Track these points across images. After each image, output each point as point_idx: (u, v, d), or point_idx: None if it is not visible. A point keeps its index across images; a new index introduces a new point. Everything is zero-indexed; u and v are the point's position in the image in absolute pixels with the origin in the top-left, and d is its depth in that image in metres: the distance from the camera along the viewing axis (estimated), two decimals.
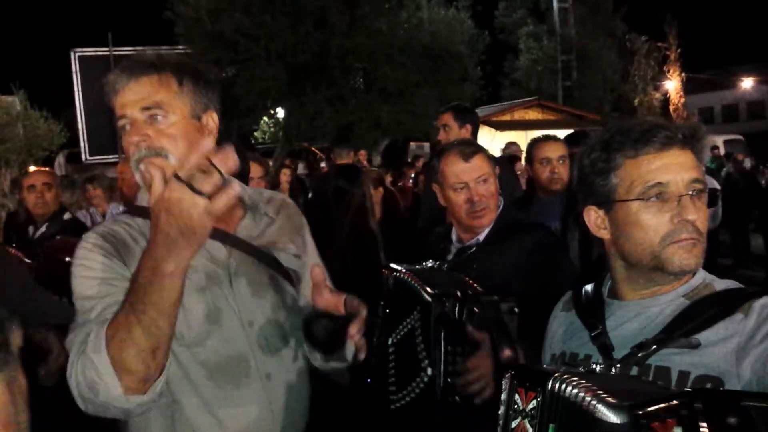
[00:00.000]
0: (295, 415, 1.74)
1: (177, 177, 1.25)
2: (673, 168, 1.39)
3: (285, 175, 8.58)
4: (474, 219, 2.45)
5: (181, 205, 1.23)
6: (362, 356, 1.64)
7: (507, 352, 1.79)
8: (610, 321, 1.48)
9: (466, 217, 2.46)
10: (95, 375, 1.33)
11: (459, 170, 2.45)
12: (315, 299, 1.62)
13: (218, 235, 1.62)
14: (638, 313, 1.44)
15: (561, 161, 3.97)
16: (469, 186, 2.43)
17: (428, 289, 1.98)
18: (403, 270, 2.18)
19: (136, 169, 1.57)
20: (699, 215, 1.39)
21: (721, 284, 1.42)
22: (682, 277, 1.42)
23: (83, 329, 1.43)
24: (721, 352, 1.29)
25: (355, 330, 1.57)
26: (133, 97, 1.57)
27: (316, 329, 1.61)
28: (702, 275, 1.43)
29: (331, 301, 1.61)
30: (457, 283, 2.05)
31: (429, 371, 1.99)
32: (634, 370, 1.36)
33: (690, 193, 1.39)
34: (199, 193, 1.23)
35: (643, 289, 1.45)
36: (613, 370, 1.31)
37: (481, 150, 2.52)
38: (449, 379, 1.93)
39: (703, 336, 1.31)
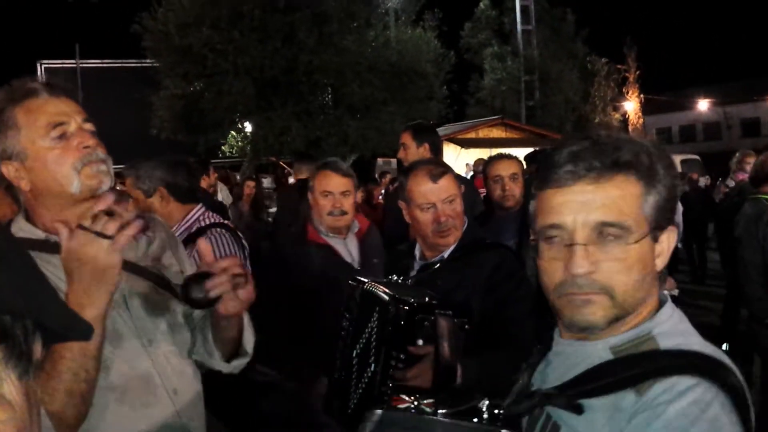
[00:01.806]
0: (200, 428, 1.77)
1: (81, 226, 1.32)
2: (573, 207, 1.14)
3: (248, 188, 8.46)
4: (440, 238, 2.50)
5: (87, 250, 1.30)
6: (214, 294, 1.47)
7: (446, 366, 1.86)
8: (548, 357, 1.31)
9: (432, 236, 2.49)
10: None
11: (426, 190, 2.47)
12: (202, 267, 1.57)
13: None
14: (566, 356, 1.24)
15: (513, 179, 4.10)
16: (437, 206, 2.46)
17: (387, 291, 2.08)
18: (370, 281, 2.25)
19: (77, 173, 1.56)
20: (600, 266, 1.12)
21: (668, 342, 1.12)
22: (618, 324, 1.16)
23: None
24: (601, 425, 1.10)
25: (212, 284, 1.46)
26: (67, 108, 1.60)
27: (193, 290, 1.49)
28: (650, 326, 1.15)
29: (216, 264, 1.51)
30: (418, 294, 2.13)
31: (372, 367, 2.08)
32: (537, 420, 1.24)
33: (580, 242, 1.12)
34: (102, 235, 1.31)
35: (571, 331, 1.22)
36: (498, 413, 1.31)
37: (449, 171, 2.55)
38: (388, 382, 2.02)
39: (593, 403, 1.12)
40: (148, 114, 19.32)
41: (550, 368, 1.28)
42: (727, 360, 1.10)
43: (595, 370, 1.14)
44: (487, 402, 1.35)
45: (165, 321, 1.73)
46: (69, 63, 23.87)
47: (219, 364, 1.80)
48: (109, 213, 1.35)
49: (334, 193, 3.17)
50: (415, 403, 1.49)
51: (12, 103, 1.56)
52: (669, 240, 1.18)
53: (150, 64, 20.09)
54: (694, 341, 1.13)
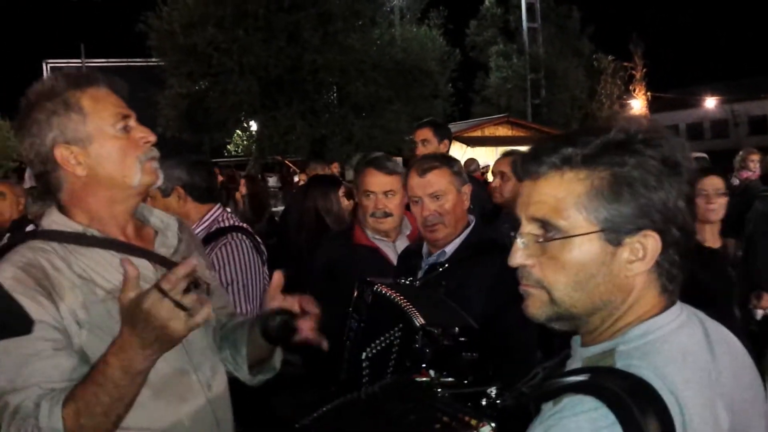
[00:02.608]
0: (230, 423, 1.78)
1: (159, 289, 1.27)
2: (520, 202, 1.16)
3: (242, 186, 8.22)
4: (427, 232, 2.52)
5: (160, 315, 1.27)
6: (325, 346, 1.70)
7: None
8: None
9: (422, 230, 2.54)
10: None
11: (414, 184, 2.52)
12: (270, 303, 1.67)
13: (142, 252, 1.62)
14: (571, 360, 1.22)
15: (501, 176, 4.18)
16: (423, 201, 2.49)
17: (421, 320, 1.98)
18: (383, 285, 2.21)
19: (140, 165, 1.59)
20: (539, 261, 1.12)
21: (624, 361, 1.07)
22: (593, 334, 1.15)
23: (16, 396, 1.37)
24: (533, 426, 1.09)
25: (307, 326, 1.64)
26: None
27: (272, 324, 1.66)
28: (618, 341, 1.11)
29: (285, 303, 1.66)
30: (449, 317, 2.06)
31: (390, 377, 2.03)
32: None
33: (519, 236, 1.14)
34: (181, 306, 1.27)
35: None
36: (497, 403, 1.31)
37: (441, 166, 2.52)
38: None
39: (542, 408, 1.10)
40: (154, 113, 19.34)
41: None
42: (671, 402, 1.01)
43: (554, 369, 1.17)
44: (495, 390, 1.32)
45: None
46: (74, 62, 23.94)
47: (245, 377, 1.83)
48: (193, 282, 1.32)
49: (376, 192, 3.04)
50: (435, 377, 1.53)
51: (74, 88, 1.55)
52: (645, 244, 1.07)
53: (155, 63, 20.13)
54: (651, 369, 1.03)
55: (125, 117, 1.59)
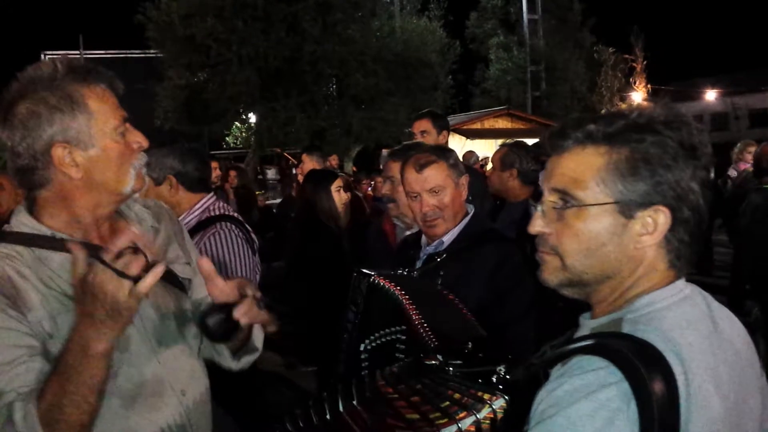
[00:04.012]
0: (207, 428, 1.73)
1: (101, 260, 1.24)
2: (545, 174, 1.24)
3: (231, 177, 8.07)
4: (427, 228, 2.50)
5: (106, 289, 1.23)
6: (271, 329, 1.63)
7: None
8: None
9: (421, 225, 2.52)
10: None
11: (412, 180, 2.50)
12: (211, 291, 1.53)
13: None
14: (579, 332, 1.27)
15: (492, 167, 4.26)
16: (421, 196, 2.47)
17: (434, 342, 1.87)
18: (379, 276, 2.19)
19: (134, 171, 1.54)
20: (555, 229, 1.19)
21: (630, 327, 1.12)
22: (602, 305, 1.21)
23: None
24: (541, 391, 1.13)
25: (240, 312, 1.49)
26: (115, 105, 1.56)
27: (212, 324, 1.53)
28: (626, 310, 1.15)
29: (226, 288, 1.52)
30: (458, 330, 1.99)
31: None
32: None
33: (541, 205, 1.22)
34: (125, 275, 1.24)
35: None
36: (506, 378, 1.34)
37: (437, 160, 2.50)
38: None
39: (551, 374, 1.16)
40: (152, 105, 19.29)
41: None
42: (678, 360, 1.05)
43: (561, 346, 1.19)
44: (503, 368, 1.34)
45: (174, 319, 1.67)
46: (73, 53, 23.85)
47: (228, 362, 1.78)
48: (133, 248, 1.28)
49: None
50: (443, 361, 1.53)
51: (78, 82, 1.46)
52: (656, 219, 1.13)
53: (153, 55, 20.10)
54: (656, 333, 1.08)
55: (124, 120, 1.53)
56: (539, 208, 1.22)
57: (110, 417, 1.47)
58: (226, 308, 1.50)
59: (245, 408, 2.84)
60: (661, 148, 1.13)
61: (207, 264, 1.50)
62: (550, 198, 1.20)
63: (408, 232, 3.27)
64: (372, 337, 2.14)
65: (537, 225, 1.21)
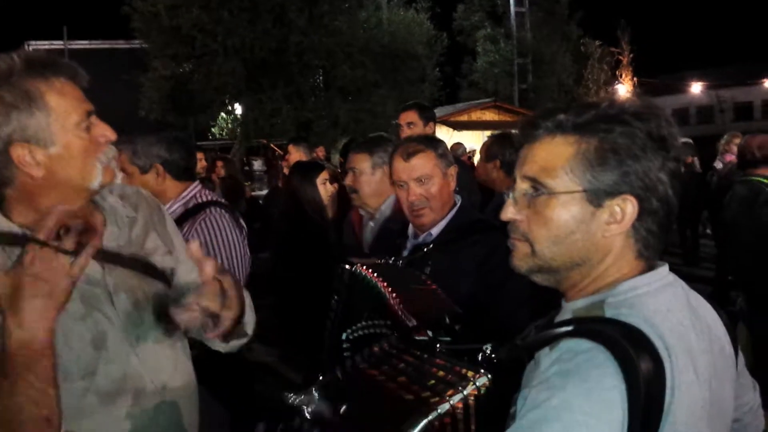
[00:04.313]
0: (192, 420, 1.71)
1: (35, 240, 1.21)
2: (517, 164, 1.26)
3: (218, 167, 7.98)
4: (414, 217, 2.49)
5: (45, 267, 1.20)
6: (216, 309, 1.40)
7: None
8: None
9: (408, 214, 2.51)
10: None
11: (399, 168, 2.48)
12: (201, 277, 1.45)
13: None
14: (558, 316, 1.28)
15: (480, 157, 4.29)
16: (408, 185, 2.45)
17: (413, 321, 1.82)
18: (364, 267, 2.17)
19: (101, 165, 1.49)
20: (526, 216, 1.21)
21: (613, 311, 1.14)
22: (572, 291, 1.24)
23: None
24: (530, 376, 1.15)
25: (191, 299, 1.37)
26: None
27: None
28: (606, 294, 1.17)
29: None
30: (436, 309, 2.01)
31: None
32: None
33: (513, 192, 1.24)
34: (63, 251, 1.21)
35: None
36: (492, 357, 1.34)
37: (425, 150, 2.49)
38: None
39: (536, 356, 1.17)
40: (137, 95, 19.13)
41: None
42: (662, 343, 1.07)
43: (545, 327, 1.22)
44: (489, 347, 1.35)
45: (153, 312, 1.64)
46: (57, 44, 23.61)
47: (216, 344, 1.73)
48: (65, 228, 1.25)
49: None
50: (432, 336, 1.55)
51: (36, 76, 1.40)
52: (624, 208, 1.15)
53: (139, 45, 19.89)
54: (639, 317, 1.10)
55: (88, 114, 1.46)
56: (511, 195, 1.24)
57: (90, 414, 1.46)
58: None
59: (235, 397, 2.83)
60: (629, 139, 1.14)
61: (195, 247, 1.39)
62: (521, 185, 1.23)
63: (371, 222, 3.28)
64: (354, 327, 2.12)
65: (509, 212, 1.24)
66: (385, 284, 1.98)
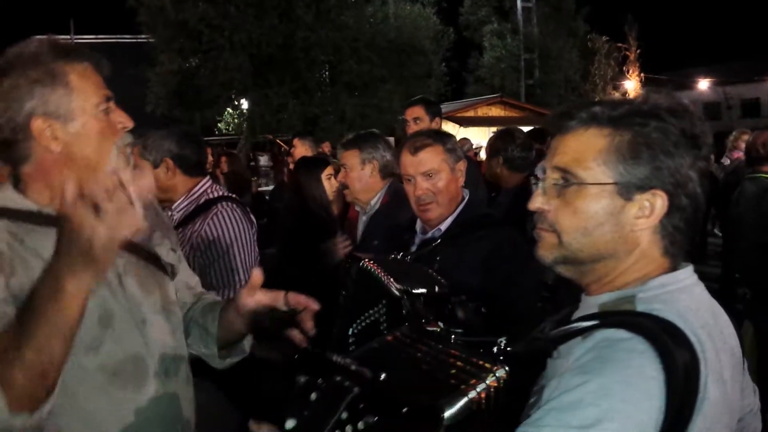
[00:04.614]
0: (190, 411, 1.73)
1: (87, 195, 1.21)
2: (548, 154, 1.26)
3: (222, 163, 7.98)
4: (420, 212, 2.48)
5: (83, 229, 1.19)
6: (302, 345, 1.68)
7: None
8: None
9: (415, 209, 2.50)
10: None
11: (406, 163, 2.47)
12: (245, 300, 1.64)
13: None
14: (579, 310, 1.29)
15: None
16: (416, 179, 2.44)
17: (397, 285, 1.95)
18: (368, 260, 2.18)
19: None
20: (553, 206, 1.21)
21: (645, 306, 1.13)
22: (597, 285, 1.23)
23: None
24: (558, 366, 1.16)
25: (307, 318, 1.65)
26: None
27: (263, 320, 1.65)
28: (637, 290, 1.17)
29: (265, 300, 1.65)
30: (425, 279, 2.06)
31: None
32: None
33: (542, 183, 1.24)
34: (109, 208, 1.20)
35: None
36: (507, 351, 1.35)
37: (433, 144, 2.47)
38: None
39: (561, 349, 1.18)
40: (143, 90, 19.13)
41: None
42: (696, 339, 1.08)
43: (561, 322, 1.21)
44: (504, 340, 1.35)
45: (159, 300, 1.67)
46: (63, 38, 23.61)
47: (214, 360, 1.80)
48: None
49: None
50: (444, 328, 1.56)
51: (60, 58, 1.47)
52: (653, 203, 1.16)
53: (145, 40, 19.90)
54: (673, 312, 1.10)
55: (107, 99, 1.53)
56: (540, 185, 1.23)
57: (93, 392, 1.47)
58: (274, 310, 1.66)
59: (245, 395, 2.83)
60: (663, 134, 1.14)
61: (257, 275, 1.63)
62: (551, 175, 1.22)
63: (364, 217, 3.29)
64: (358, 321, 2.13)
65: (537, 202, 1.23)
66: (383, 271, 2.00)
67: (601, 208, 1.17)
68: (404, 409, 1.16)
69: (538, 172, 1.27)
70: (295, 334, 1.66)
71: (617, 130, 1.16)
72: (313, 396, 1.28)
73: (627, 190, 1.15)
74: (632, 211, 1.16)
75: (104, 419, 1.51)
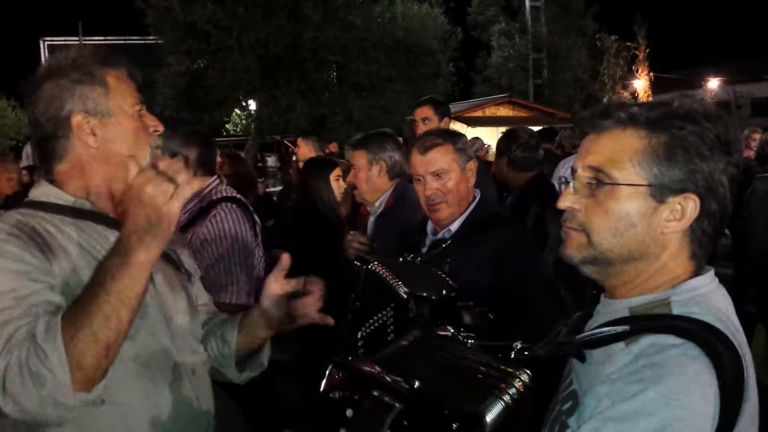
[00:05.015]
0: (211, 410, 1.75)
1: (148, 167, 1.32)
2: (580, 152, 1.26)
3: (225, 165, 7.99)
4: (430, 212, 2.47)
5: (149, 191, 1.28)
6: (330, 322, 1.78)
7: None
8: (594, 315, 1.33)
9: (425, 209, 2.49)
10: (43, 367, 1.26)
11: (416, 162, 2.46)
12: (272, 285, 1.71)
13: None
14: (599, 314, 1.28)
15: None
16: (425, 179, 2.43)
17: (405, 288, 1.96)
18: (377, 263, 2.17)
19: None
20: (584, 206, 1.21)
21: (682, 309, 1.13)
22: (626, 287, 1.22)
23: (6, 328, 1.31)
24: (596, 372, 1.15)
25: (309, 304, 1.74)
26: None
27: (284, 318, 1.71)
28: (670, 292, 1.17)
29: (289, 287, 1.72)
30: (433, 282, 2.04)
31: None
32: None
33: (573, 182, 1.24)
34: (168, 179, 1.29)
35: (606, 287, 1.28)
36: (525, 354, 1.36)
37: (443, 144, 2.46)
38: None
39: (594, 354, 1.18)
40: (152, 92, 19.19)
41: (588, 324, 1.31)
42: (735, 341, 1.09)
43: (604, 325, 1.19)
44: (519, 344, 1.36)
45: (183, 301, 1.73)
46: (72, 40, 23.74)
47: (231, 373, 1.83)
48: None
49: None
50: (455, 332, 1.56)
51: (101, 63, 1.59)
52: (685, 206, 1.16)
53: (153, 41, 19.95)
54: (711, 316, 1.12)
55: (141, 103, 1.64)
56: (571, 183, 1.23)
57: (126, 380, 1.51)
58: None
59: (254, 398, 2.83)
60: (699, 138, 1.15)
61: (286, 257, 1.70)
62: (583, 174, 1.21)
63: (372, 218, 3.33)
64: (367, 324, 2.13)
65: (567, 200, 1.23)
66: (391, 274, 2.01)
67: (633, 209, 1.17)
68: (447, 417, 1.15)
69: (567, 174, 1.28)
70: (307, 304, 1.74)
71: (654, 132, 1.17)
72: (349, 413, 1.25)
73: (660, 192, 1.16)
74: (664, 214, 1.17)
75: (135, 411, 1.54)
